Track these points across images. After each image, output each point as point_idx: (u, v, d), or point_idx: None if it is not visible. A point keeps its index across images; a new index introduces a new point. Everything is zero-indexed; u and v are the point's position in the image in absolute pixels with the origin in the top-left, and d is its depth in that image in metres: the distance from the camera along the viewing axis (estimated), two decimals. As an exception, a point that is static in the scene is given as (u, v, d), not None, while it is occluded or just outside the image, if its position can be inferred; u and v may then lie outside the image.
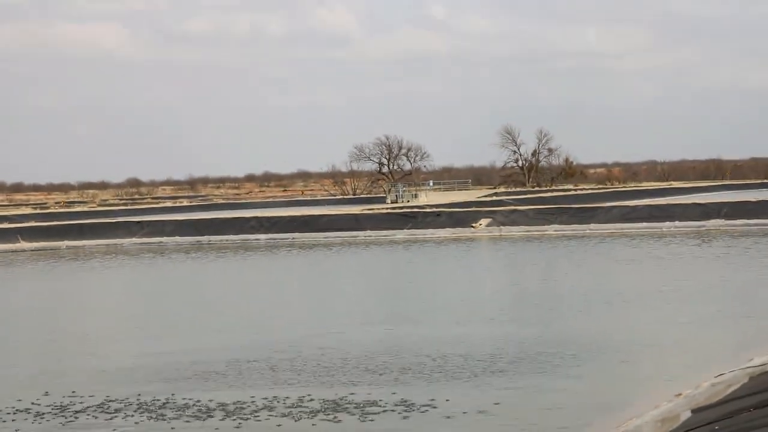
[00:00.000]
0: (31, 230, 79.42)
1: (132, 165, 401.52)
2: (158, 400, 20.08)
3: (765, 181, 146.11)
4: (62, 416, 19.05)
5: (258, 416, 18.42)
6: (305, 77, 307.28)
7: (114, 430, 18.04)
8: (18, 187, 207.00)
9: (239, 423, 18.01)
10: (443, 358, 23.46)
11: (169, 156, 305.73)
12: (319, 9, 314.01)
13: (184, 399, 20.10)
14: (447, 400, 19.09)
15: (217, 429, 17.73)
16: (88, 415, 19.11)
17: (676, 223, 67.92)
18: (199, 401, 19.80)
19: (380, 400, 19.18)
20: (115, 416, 18.94)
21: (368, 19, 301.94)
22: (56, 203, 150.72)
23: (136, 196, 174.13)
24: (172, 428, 17.93)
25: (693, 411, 14.54)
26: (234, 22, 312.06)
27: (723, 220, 67.93)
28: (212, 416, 18.55)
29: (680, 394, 16.19)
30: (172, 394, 20.54)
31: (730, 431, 11.60)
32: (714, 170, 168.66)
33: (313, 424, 17.82)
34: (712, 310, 30.39)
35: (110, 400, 20.20)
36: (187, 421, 18.30)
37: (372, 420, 17.88)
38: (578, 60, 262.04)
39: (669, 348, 24.37)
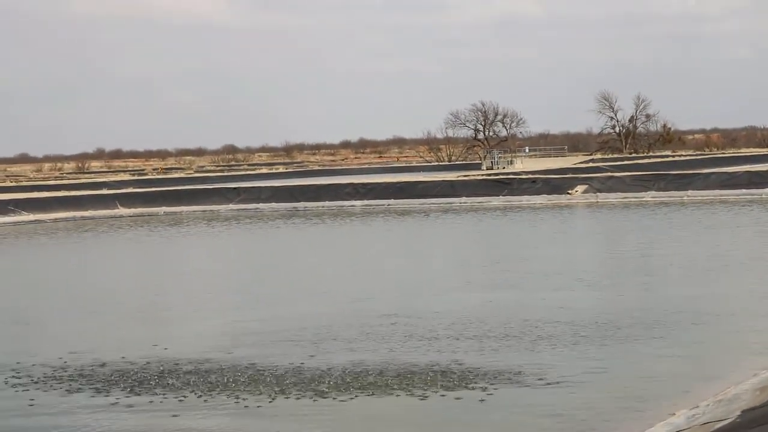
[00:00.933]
0: (130, 196, 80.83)
1: (229, 132, 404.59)
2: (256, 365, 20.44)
3: None
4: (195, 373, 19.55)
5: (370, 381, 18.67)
6: (401, 43, 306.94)
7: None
8: (117, 154, 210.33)
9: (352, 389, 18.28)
10: (547, 324, 23.51)
11: (265, 123, 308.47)
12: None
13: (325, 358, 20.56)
14: (552, 367, 19.20)
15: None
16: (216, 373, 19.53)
17: (777, 189, 66.90)
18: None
19: (482, 367, 19.30)
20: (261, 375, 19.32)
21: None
22: (154, 170, 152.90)
23: (233, 163, 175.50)
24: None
25: (794, 380, 14.47)
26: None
27: (825, 186, 66.79)
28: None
29: (781, 363, 16.10)
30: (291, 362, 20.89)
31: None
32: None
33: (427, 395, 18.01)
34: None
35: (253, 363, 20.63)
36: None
37: (475, 387, 18.01)
38: (676, 23, 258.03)
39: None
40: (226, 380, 19.08)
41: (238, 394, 18.13)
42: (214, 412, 17.19)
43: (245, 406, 17.38)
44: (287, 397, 17.78)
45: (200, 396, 18.12)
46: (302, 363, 20.32)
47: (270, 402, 17.56)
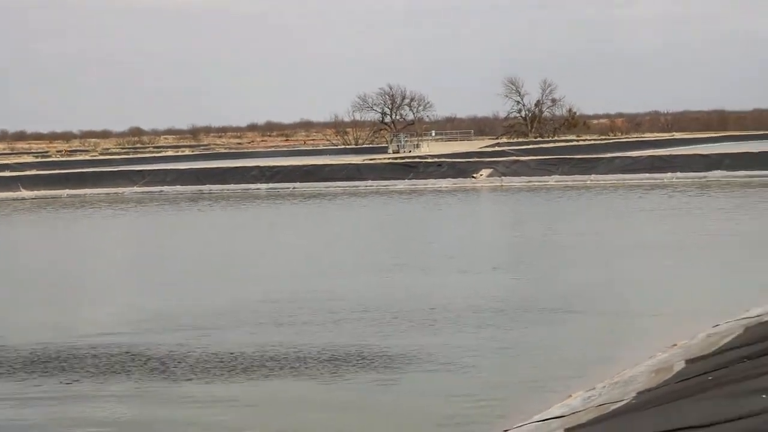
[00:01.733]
0: (32, 178, 79.61)
1: (134, 114, 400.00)
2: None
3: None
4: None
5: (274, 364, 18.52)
6: (310, 27, 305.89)
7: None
8: (20, 136, 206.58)
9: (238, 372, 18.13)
10: (451, 306, 23.54)
11: (171, 105, 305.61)
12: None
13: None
14: (454, 349, 19.22)
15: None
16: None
17: (678, 174, 67.89)
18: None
19: (386, 350, 19.27)
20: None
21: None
22: (58, 152, 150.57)
23: (138, 146, 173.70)
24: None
25: (687, 361, 14.62)
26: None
27: (725, 171, 67.93)
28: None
29: (675, 345, 16.30)
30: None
31: (723, 381, 11.66)
32: (717, 121, 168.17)
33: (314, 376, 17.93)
34: (711, 261, 30.55)
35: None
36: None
37: (379, 369, 17.98)
38: (584, 10, 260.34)
39: (668, 299, 24.40)
40: (123, 365, 18.80)
41: (137, 378, 17.89)
42: (111, 399, 16.95)
43: (144, 391, 17.16)
44: (190, 380, 17.59)
45: (99, 382, 17.81)
46: (202, 347, 20.08)
47: (169, 388, 17.32)
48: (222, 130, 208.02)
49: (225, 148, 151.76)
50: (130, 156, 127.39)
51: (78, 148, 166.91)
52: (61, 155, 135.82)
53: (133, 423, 15.82)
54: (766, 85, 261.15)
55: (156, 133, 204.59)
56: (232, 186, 75.16)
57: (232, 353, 19.35)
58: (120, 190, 75.96)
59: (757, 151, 74.44)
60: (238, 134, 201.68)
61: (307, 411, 16.07)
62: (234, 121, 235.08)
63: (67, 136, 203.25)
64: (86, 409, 16.44)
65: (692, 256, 31.74)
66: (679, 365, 14.45)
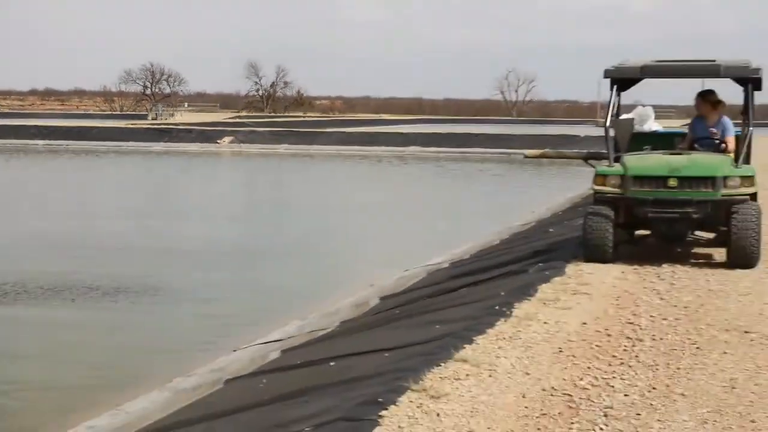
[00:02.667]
0: None
1: None
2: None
3: (455, 117, 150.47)
4: None
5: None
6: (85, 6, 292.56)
7: None
8: None
9: None
10: (185, 246, 23.31)
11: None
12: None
13: None
14: (196, 284, 19.04)
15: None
16: None
17: (383, 147, 69.47)
18: None
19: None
20: None
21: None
22: None
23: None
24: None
25: (381, 298, 15.08)
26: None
27: (419, 147, 69.99)
28: None
29: (372, 285, 16.69)
30: None
31: (408, 314, 12.11)
32: (416, 107, 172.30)
33: None
34: (406, 218, 31.23)
35: None
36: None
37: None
38: (315, 6, 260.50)
39: (371, 249, 24.81)
40: None
41: None
42: None
43: None
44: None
45: None
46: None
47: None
48: (6, 93, 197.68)
49: (8, 109, 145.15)
50: None
51: None
52: None
53: None
54: (455, 79, 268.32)
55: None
56: (12, 140, 72.34)
57: None
58: None
59: (444, 132, 77.24)
60: (21, 98, 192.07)
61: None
62: (17, 86, 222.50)
63: None
64: None
65: (392, 214, 32.40)
66: (374, 301, 14.90)
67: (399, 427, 6.48)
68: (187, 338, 15.32)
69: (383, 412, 6.69)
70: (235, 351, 12.65)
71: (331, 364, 9.32)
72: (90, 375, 13.12)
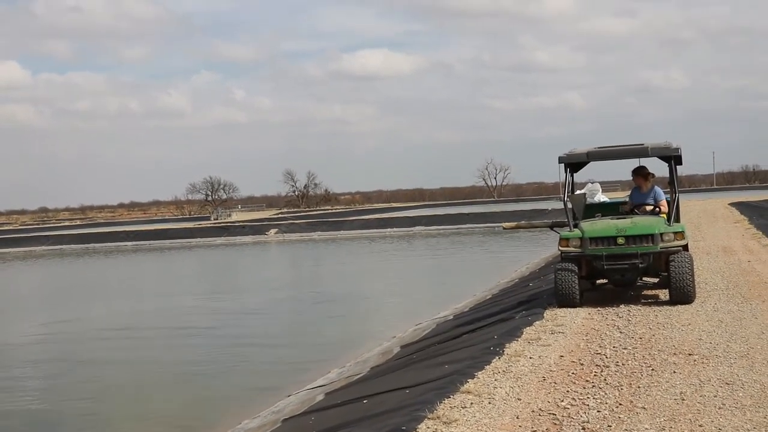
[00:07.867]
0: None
1: (42, 196, 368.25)
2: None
3: (450, 201, 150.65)
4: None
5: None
6: (151, 139, 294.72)
7: None
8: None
9: None
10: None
11: (64, 188, 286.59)
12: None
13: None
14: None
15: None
16: None
17: (395, 229, 69.44)
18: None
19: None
20: None
21: (196, 99, 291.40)
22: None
23: (45, 219, 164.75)
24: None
25: (401, 347, 14.94)
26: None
27: (423, 227, 69.89)
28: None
29: (395, 337, 16.55)
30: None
31: (423, 358, 11.99)
32: (419, 195, 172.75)
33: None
34: (418, 281, 31.07)
35: None
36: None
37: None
38: (333, 124, 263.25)
39: (391, 307, 24.48)
40: None
41: None
42: None
43: None
44: None
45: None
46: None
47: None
48: (101, 208, 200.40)
49: (103, 219, 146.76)
50: (40, 226, 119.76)
51: (4, 223, 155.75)
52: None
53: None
54: (449, 171, 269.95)
55: (57, 210, 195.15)
56: (107, 244, 72.91)
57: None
58: (32, 249, 72.41)
59: (442, 213, 77.22)
60: (112, 210, 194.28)
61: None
62: (109, 201, 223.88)
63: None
64: None
65: (406, 279, 32.26)
66: (396, 349, 14.77)
67: (421, 448, 6.37)
68: (253, 384, 15.25)
69: (408, 437, 6.60)
70: (289, 396, 12.54)
71: (365, 401, 9.23)
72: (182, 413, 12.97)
